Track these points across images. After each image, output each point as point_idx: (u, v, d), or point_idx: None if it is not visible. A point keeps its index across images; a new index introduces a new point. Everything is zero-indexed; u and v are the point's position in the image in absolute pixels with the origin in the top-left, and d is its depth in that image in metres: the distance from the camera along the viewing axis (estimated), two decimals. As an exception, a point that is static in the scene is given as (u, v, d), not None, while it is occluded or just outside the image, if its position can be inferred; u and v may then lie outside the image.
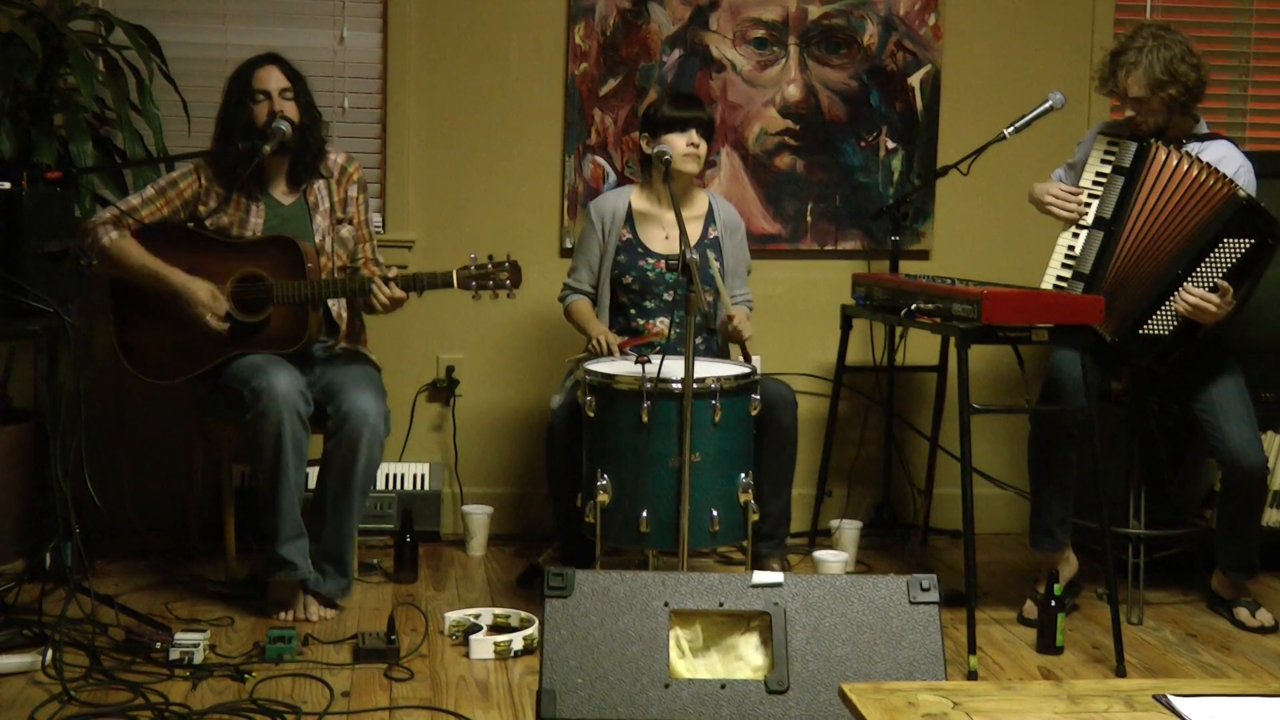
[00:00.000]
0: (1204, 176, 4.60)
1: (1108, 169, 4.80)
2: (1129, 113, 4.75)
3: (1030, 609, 4.74)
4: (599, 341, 4.77)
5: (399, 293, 4.57)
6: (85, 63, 4.87)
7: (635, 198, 5.04)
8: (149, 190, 4.76)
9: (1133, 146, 4.75)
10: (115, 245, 4.65)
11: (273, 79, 4.73)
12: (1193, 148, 4.72)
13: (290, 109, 4.72)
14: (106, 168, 5.04)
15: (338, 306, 4.83)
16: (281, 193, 4.83)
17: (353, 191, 4.89)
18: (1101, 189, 4.80)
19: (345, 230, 4.86)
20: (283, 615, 4.58)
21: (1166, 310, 4.64)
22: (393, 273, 4.58)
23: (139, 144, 5.00)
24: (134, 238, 4.68)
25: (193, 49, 5.38)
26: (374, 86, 5.53)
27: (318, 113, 4.85)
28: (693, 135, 4.84)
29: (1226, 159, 4.69)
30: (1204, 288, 4.58)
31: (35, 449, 4.77)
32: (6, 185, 4.18)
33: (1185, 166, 4.63)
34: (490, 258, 4.58)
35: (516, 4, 5.55)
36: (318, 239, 4.80)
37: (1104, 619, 4.57)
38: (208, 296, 4.61)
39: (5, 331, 4.27)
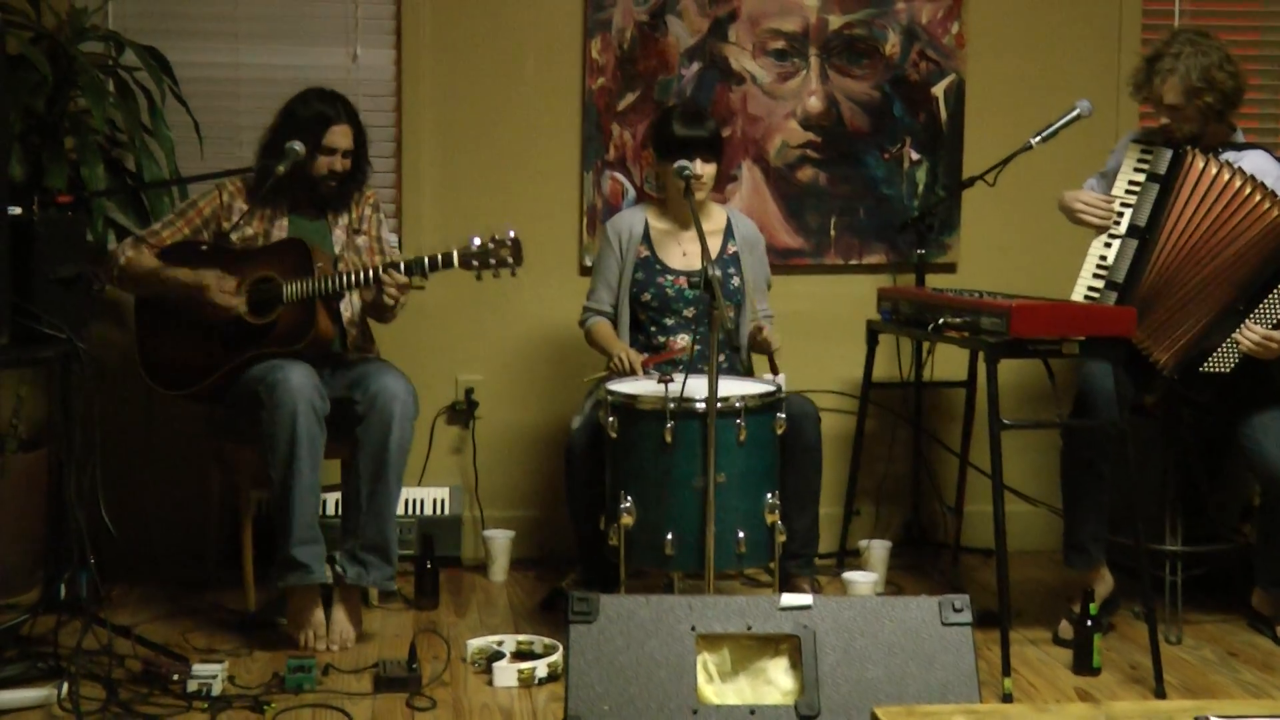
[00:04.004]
0: (1250, 191, 4.57)
1: (1141, 176, 4.77)
2: (1164, 120, 4.72)
3: (1066, 629, 4.70)
4: (620, 359, 4.73)
5: (403, 278, 4.57)
6: (96, 85, 4.89)
7: (651, 214, 5.03)
8: (169, 215, 4.83)
9: (1168, 154, 4.72)
10: (131, 262, 4.70)
11: (343, 139, 4.77)
12: (1230, 157, 4.68)
13: (346, 165, 4.79)
14: (118, 191, 5.04)
15: (350, 312, 4.86)
16: (304, 212, 4.89)
17: (368, 211, 4.95)
18: (1135, 197, 4.77)
19: (360, 240, 4.92)
20: (302, 634, 4.56)
21: (1229, 348, 4.62)
22: (396, 257, 4.61)
23: (152, 166, 5.01)
24: (155, 259, 4.73)
25: (204, 69, 5.37)
26: (388, 104, 5.53)
27: (369, 165, 4.91)
28: (697, 165, 4.79)
29: (1264, 171, 4.65)
30: (1267, 324, 4.56)
31: (49, 477, 4.77)
32: (18, 210, 4.15)
33: (1226, 176, 4.60)
34: (492, 236, 4.57)
35: (532, 19, 5.55)
36: (336, 249, 4.85)
37: (1141, 638, 4.53)
38: (214, 279, 4.64)
39: (18, 358, 4.24)
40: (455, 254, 4.56)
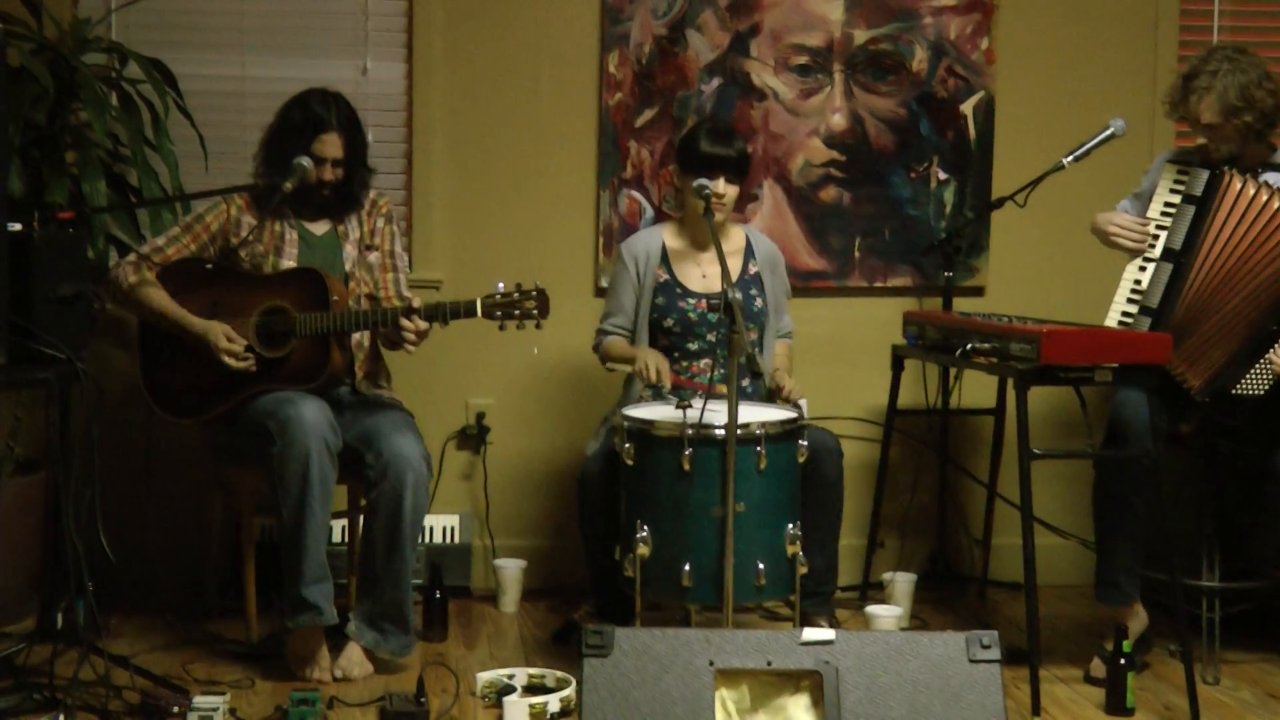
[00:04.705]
0: None
1: (1177, 198, 4.73)
2: (1200, 140, 4.66)
3: (1098, 667, 4.62)
4: (646, 366, 4.67)
5: (424, 324, 4.54)
6: (98, 97, 4.87)
7: (669, 235, 4.97)
8: (174, 229, 4.79)
9: (1204, 174, 4.67)
10: (136, 291, 4.67)
11: (332, 149, 4.71)
12: (1270, 177, 4.63)
13: (337, 174, 4.72)
14: (120, 207, 5.01)
15: (359, 336, 4.81)
16: (313, 223, 4.84)
17: (380, 223, 4.90)
18: (1170, 219, 4.73)
19: (373, 257, 4.88)
20: (305, 672, 4.50)
21: (1262, 370, 4.57)
22: (416, 303, 4.55)
23: (154, 181, 4.98)
24: (158, 279, 4.70)
25: (210, 82, 5.35)
26: (398, 119, 5.49)
27: (369, 170, 4.86)
28: (720, 185, 4.74)
29: (1304, 193, 4.61)
30: None
31: (47, 501, 4.71)
32: (17, 226, 4.12)
33: (1264, 198, 4.55)
34: (518, 286, 4.53)
35: (547, 32, 5.52)
36: (347, 267, 4.82)
37: (1177, 678, 4.48)
38: (223, 339, 4.60)
39: (16, 379, 4.21)
40: (479, 303, 4.51)
